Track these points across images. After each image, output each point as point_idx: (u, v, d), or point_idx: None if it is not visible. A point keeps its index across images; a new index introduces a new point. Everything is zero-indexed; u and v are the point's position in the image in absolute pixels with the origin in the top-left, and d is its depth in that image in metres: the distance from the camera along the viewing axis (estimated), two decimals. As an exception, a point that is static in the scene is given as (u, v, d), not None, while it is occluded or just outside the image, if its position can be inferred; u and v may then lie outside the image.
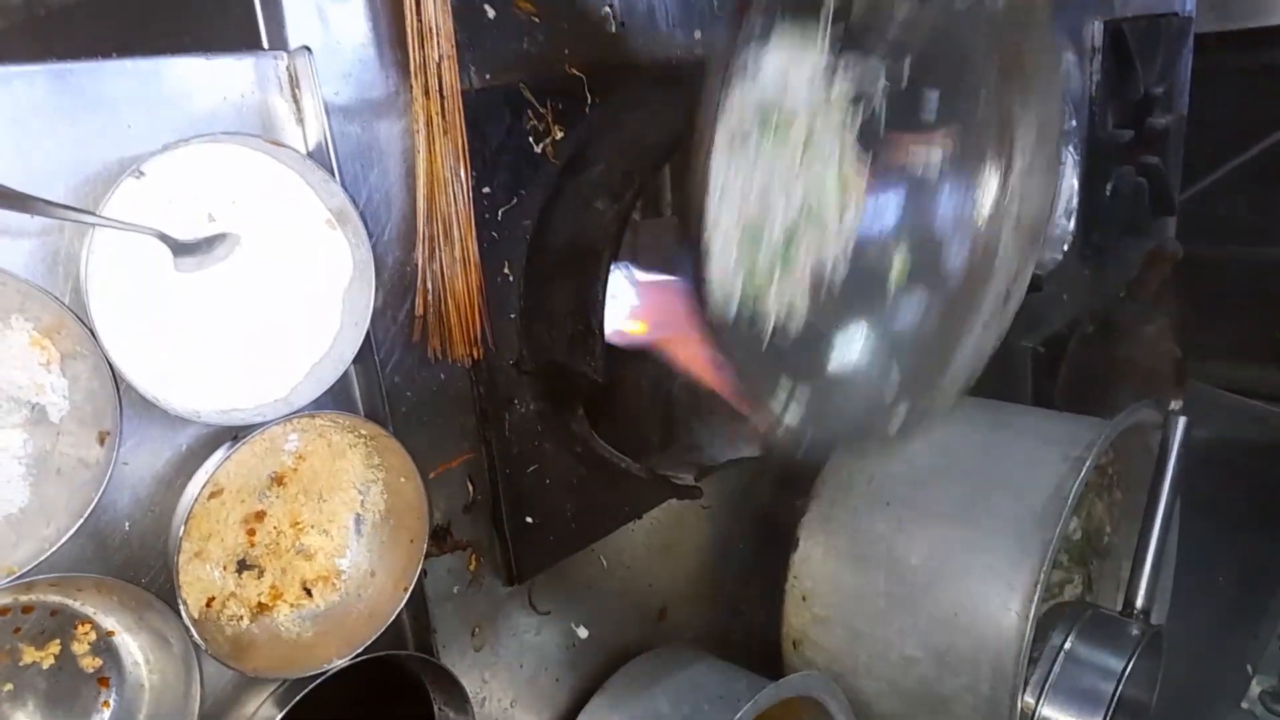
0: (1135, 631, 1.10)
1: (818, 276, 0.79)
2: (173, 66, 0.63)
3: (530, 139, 0.83)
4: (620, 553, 1.02)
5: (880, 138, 0.79)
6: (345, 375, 0.72)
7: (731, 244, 0.72)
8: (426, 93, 0.73)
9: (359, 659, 0.72)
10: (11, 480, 0.59)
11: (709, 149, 0.65)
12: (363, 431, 0.72)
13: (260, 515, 0.70)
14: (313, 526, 0.73)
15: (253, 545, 0.70)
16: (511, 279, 0.84)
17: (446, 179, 0.75)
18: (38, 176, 0.58)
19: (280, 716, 0.68)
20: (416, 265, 0.76)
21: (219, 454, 0.65)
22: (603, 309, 0.80)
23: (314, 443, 0.72)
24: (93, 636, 0.65)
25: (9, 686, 0.63)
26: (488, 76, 0.80)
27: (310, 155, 0.68)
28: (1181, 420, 1.16)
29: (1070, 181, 1.45)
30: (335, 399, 0.72)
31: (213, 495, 0.67)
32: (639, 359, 0.91)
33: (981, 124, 0.86)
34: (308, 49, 0.67)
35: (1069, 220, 1.46)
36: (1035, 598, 0.98)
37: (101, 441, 0.60)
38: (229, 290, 0.65)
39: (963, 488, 1.11)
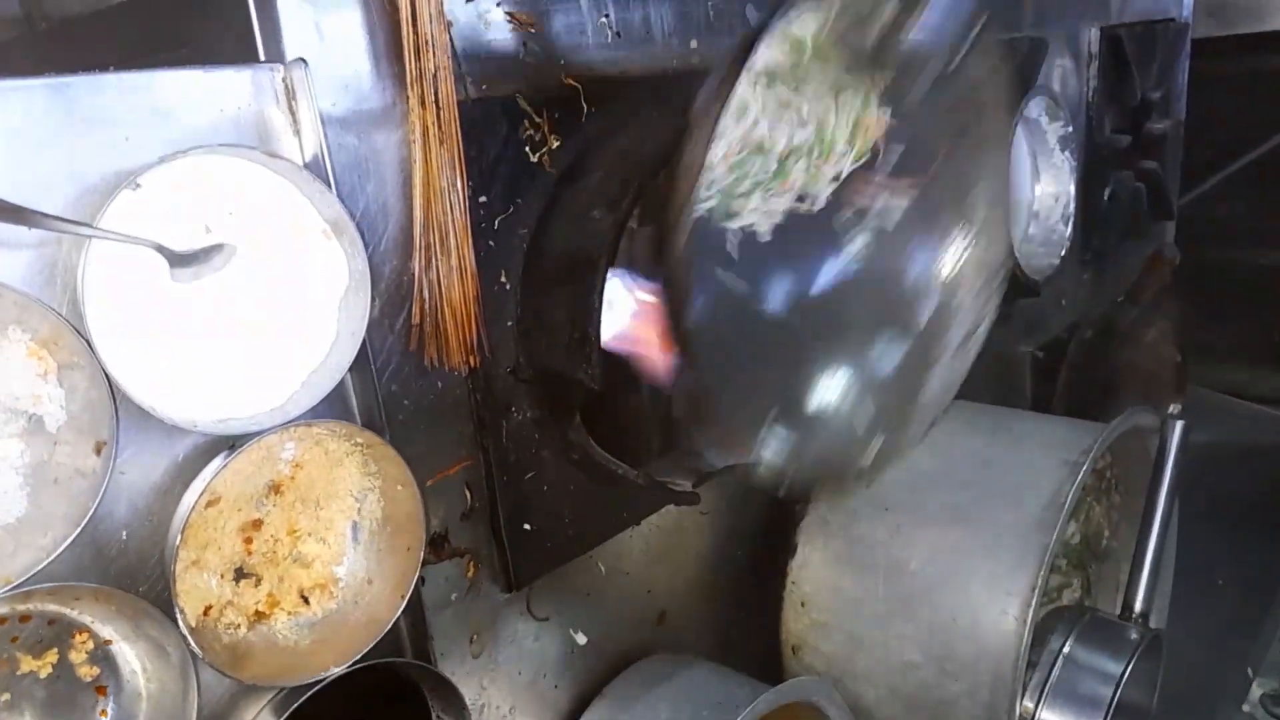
0: (1134, 635, 1.11)
1: (801, 200, 0.82)
2: (169, 79, 0.63)
3: (527, 148, 0.84)
4: (619, 559, 1.03)
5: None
6: (342, 384, 0.73)
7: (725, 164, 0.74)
8: (423, 103, 0.73)
9: (356, 667, 0.72)
10: (9, 490, 0.60)
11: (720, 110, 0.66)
12: (359, 440, 0.72)
13: (257, 523, 0.71)
14: (310, 534, 0.73)
15: (250, 553, 0.71)
16: (508, 287, 0.85)
17: (443, 189, 0.76)
18: (36, 189, 0.59)
19: (277, 724, 0.69)
20: (413, 274, 0.77)
21: (216, 463, 0.65)
22: (599, 317, 0.81)
23: (311, 451, 0.72)
24: (90, 645, 0.65)
25: (6, 695, 0.63)
26: (484, 87, 0.80)
27: (307, 166, 0.69)
28: (1179, 424, 1.16)
29: (1067, 187, 1.46)
30: (332, 407, 0.73)
31: (210, 504, 0.68)
32: (637, 365, 0.92)
33: (937, 184, 0.89)
34: (303, 61, 0.68)
35: (1066, 226, 1.46)
36: (1033, 602, 0.98)
37: (98, 451, 0.60)
38: (226, 300, 0.66)
39: (960, 492, 1.11)
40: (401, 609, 0.74)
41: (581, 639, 1.00)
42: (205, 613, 0.69)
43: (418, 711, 0.81)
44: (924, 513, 1.10)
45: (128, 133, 0.62)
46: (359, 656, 0.72)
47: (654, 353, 0.90)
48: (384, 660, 0.74)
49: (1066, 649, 1.10)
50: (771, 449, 0.81)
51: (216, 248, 0.64)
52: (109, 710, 0.67)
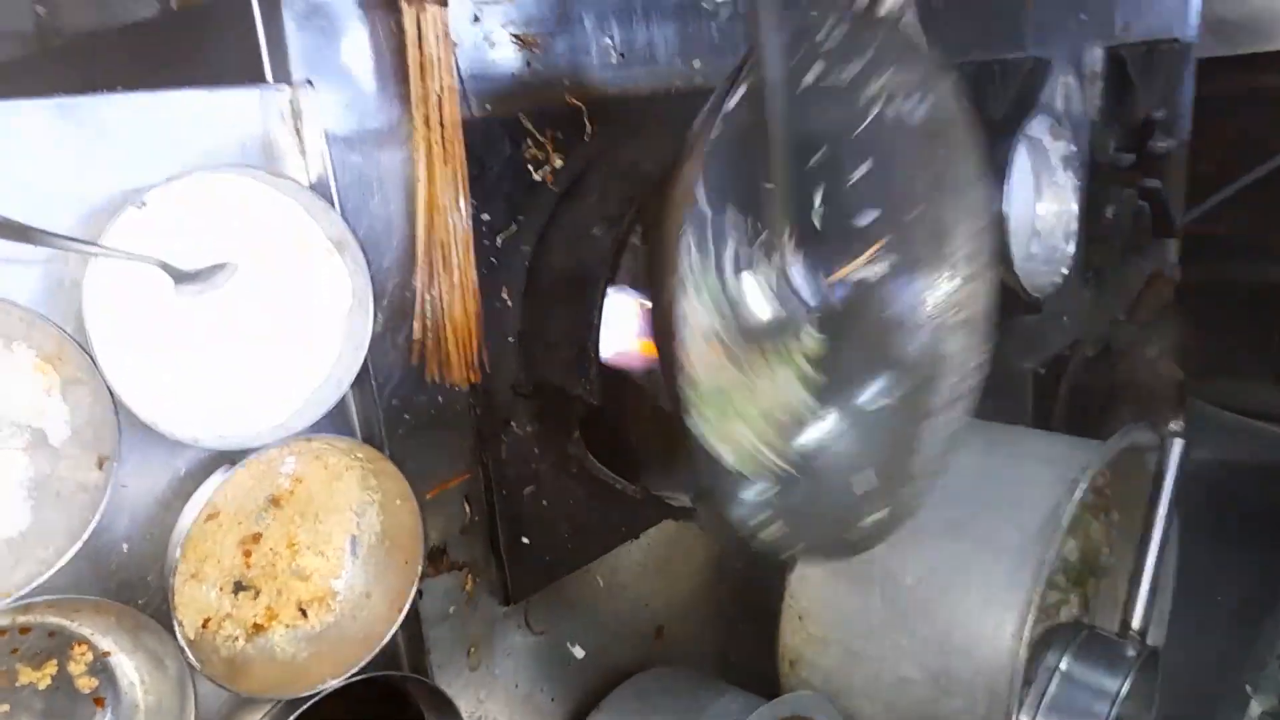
0: (1131, 652, 1.11)
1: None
2: (176, 99, 0.64)
3: (530, 167, 0.85)
4: (617, 573, 1.03)
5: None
6: (343, 399, 0.74)
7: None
8: (427, 123, 0.74)
9: (353, 679, 0.73)
10: (12, 503, 0.60)
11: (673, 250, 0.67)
12: (359, 455, 0.73)
13: (257, 537, 0.71)
14: (309, 548, 0.74)
15: (249, 567, 0.71)
16: (510, 304, 0.85)
17: (446, 207, 0.77)
18: (43, 207, 0.60)
19: (275, 737, 0.69)
20: (416, 290, 0.77)
21: (216, 477, 0.66)
22: (598, 333, 0.81)
23: (310, 465, 0.73)
24: (89, 657, 0.66)
25: (5, 707, 0.64)
26: (488, 106, 0.81)
27: (312, 185, 0.70)
28: (1178, 441, 1.16)
29: (1070, 205, 1.46)
30: (333, 422, 0.73)
31: (210, 518, 0.69)
32: (636, 381, 0.92)
33: (917, 236, 0.90)
34: (309, 82, 0.69)
35: (1068, 243, 1.47)
36: (1029, 618, 0.98)
37: (100, 466, 0.61)
38: (228, 317, 0.66)
39: (959, 508, 1.11)
40: (399, 623, 0.75)
41: (579, 652, 1.00)
42: (204, 625, 0.70)
43: (414, 724, 0.82)
44: (922, 528, 1.09)
45: (134, 152, 0.63)
46: (356, 669, 0.73)
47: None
48: (381, 673, 0.75)
49: (1063, 665, 1.10)
50: (752, 498, 0.81)
51: (220, 266, 0.65)
52: (107, 721, 0.67)
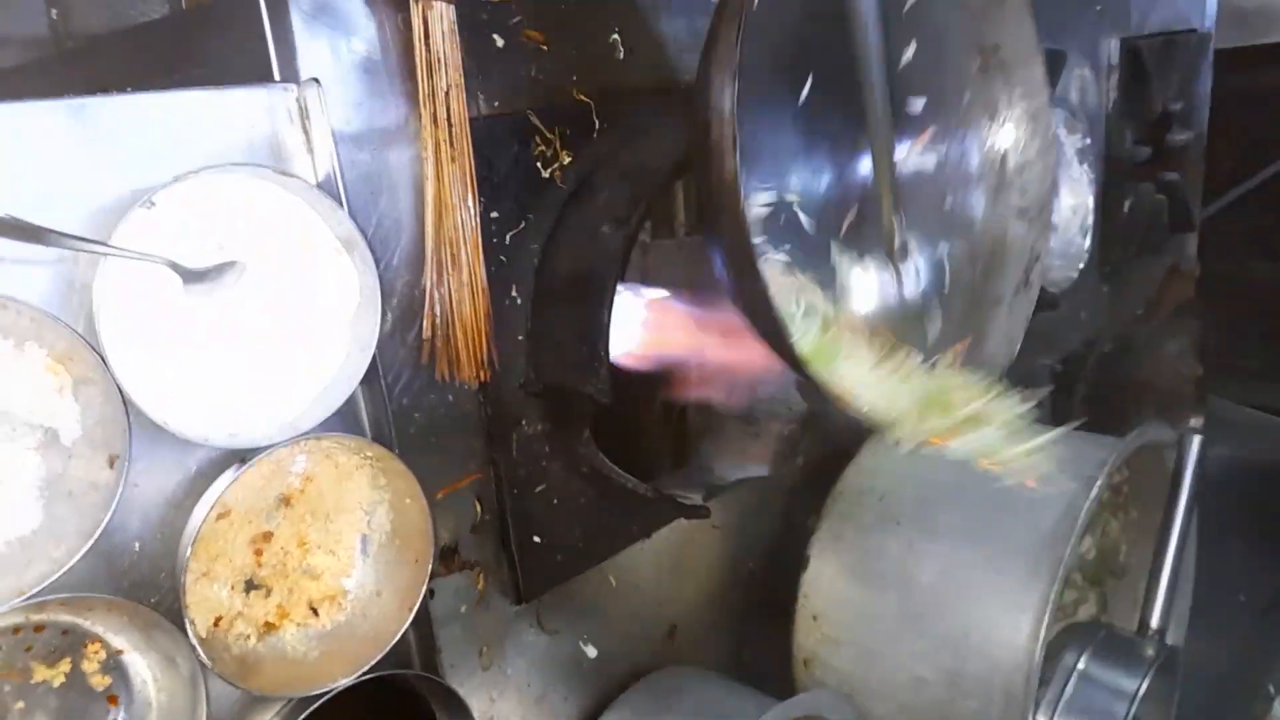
0: (1150, 652, 1.09)
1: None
2: (184, 100, 0.65)
3: (538, 164, 0.85)
4: (629, 572, 1.03)
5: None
6: (352, 398, 0.74)
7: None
8: (435, 121, 0.74)
9: (364, 678, 0.73)
10: (25, 502, 0.61)
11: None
12: (369, 453, 0.73)
13: (268, 536, 0.72)
14: (319, 547, 0.74)
15: (260, 565, 0.72)
16: (519, 302, 0.85)
17: (454, 205, 0.77)
18: (53, 207, 0.60)
19: (286, 735, 0.69)
20: (425, 289, 0.77)
21: (226, 476, 0.66)
22: (608, 332, 0.81)
23: (321, 464, 0.73)
24: (102, 655, 0.66)
25: (20, 704, 0.64)
26: (496, 104, 0.81)
27: (320, 184, 0.70)
28: (1196, 438, 1.15)
29: (1086, 199, 1.45)
30: (342, 421, 0.74)
31: (220, 517, 0.69)
32: (647, 380, 0.92)
33: (969, 121, 0.88)
34: (316, 81, 0.69)
35: (1085, 238, 1.45)
36: (1046, 618, 0.97)
37: (111, 465, 0.61)
38: (238, 316, 0.67)
39: (974, 507, 1.10)
40: (409, 621, 0.75)
41: (592, 652, 1.00)
42: (215, 624, 0.70)
43: (426, 723, 0.82)
44: (937, 527, 1.09)
45: (142, 152, 0.63)
46: (367, 668, 0.73)
47: (675, 356, 0.91)
48: (392, 672, 0.75)
49: (1081, 665, 1.09)
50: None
51: (229, 265, 0.65)
52: (120, 719, 0.68)
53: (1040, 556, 1.00)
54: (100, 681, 0.67)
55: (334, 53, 0.71)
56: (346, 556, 0.76)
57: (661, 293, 0.95)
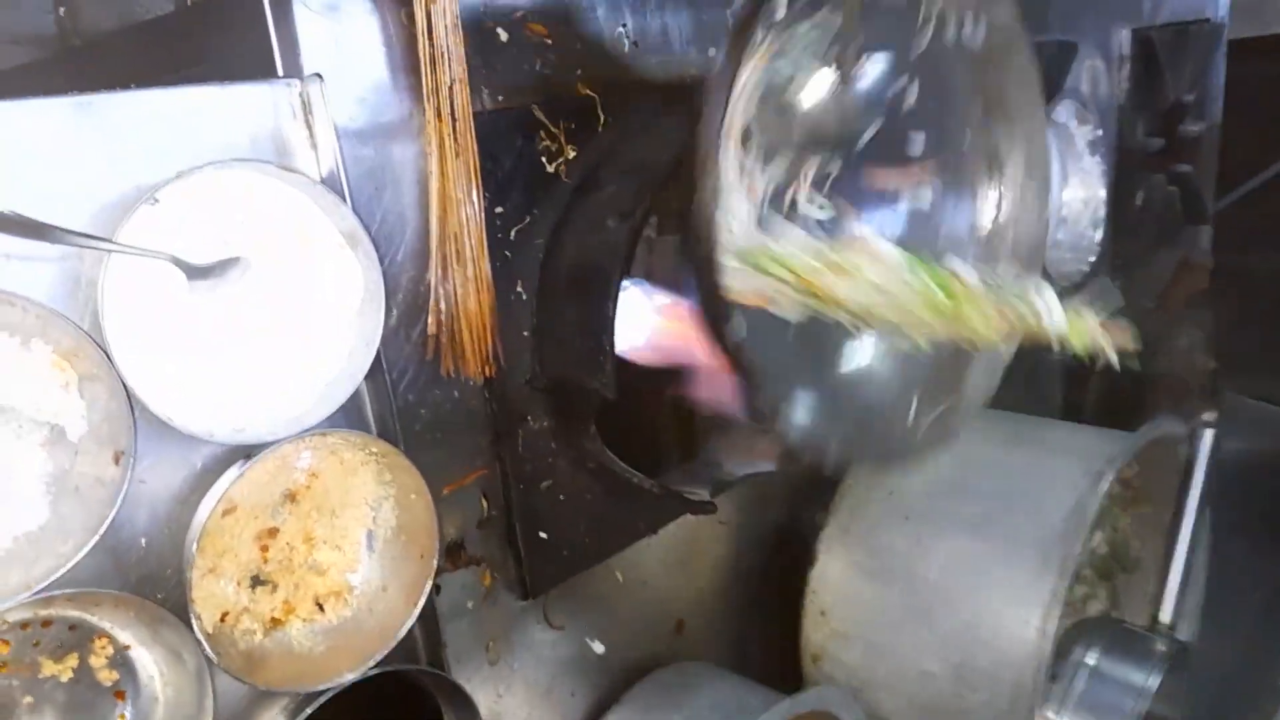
0: (1161, 647, 1.09)
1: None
2: (188, 96, 0.65)
3: (543, 159, 0.84)
4: (636, 567, 1.03)
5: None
6: (357, 394, 0.74)
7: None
8: (439, 115, 0.74)
9: (370, 673, 0.73)
10: (32, 498, 0.61)
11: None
12: (374, 449, 0.73)
13: (274, 531, 0.72)
14: (325, 542, 0.74)
15: (266, 561, 0.72)
16: (524, 297, 0.85)
17: (459, 200, 0.76)
18: (58, 204, 0.60)
19: (292, 730, 0.70)
20: (430, 284, 0.77)
21: (232, 472, 0.66)
22: (613, 327, 0.81)
23: (326, 460, 0.73)
24: (110, 650, 0.67)
25: (29, 699, 0.65)
26: (500, 98, 0.81)
27: (323, 179, 0.70)
28: (1208, 432, 1.14)
29: (1097, 191, 1.44)
30: (347, 417, 0.74)
31: (226, 512, 0.69)
32: (654, 375, 0.92)
33: (969, 161, 0.89)
34: (319, 76, 0.69)
35: (1096, 231, 1.44)
36: (1055, 613, 0.97)
37: (117, 461, 0.61)
38: (242, 312, 0.67)
39: (982, 502, 1.10)
40: (415, 616, 0.75)
41: (599, 648, 1.00)
42: (222, 619, 0.70)
43: (432, 718, 0.82)
44: (945, 522, 1.09)
45: (147, 148, 0.63)
46: (373, 663, 0.73)
47: (681, 355, 0.90)
48: (397, 667, 0.75)
49: (1091, 661, 1.09)
50: (801, 413, 0.80)
51: (233, 260, 0.65)
52: (127, 714, 0.68)
53: (1049, 551, 1.00)
54: (108, 676, 0.67)
55: (337, 48, 0.71)
56: (352, 552, 0.76)
57: (669, 290, 0.94)
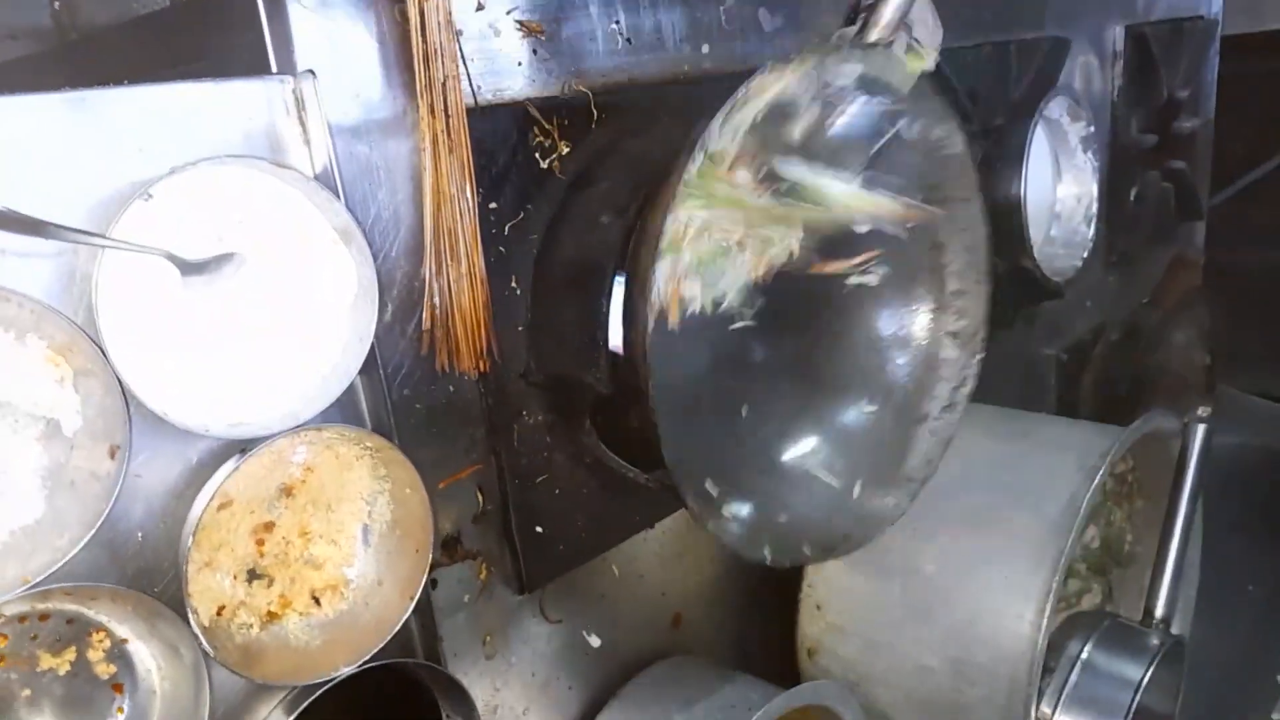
0: (1154, 641, 1.09)
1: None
2: (181, 92, 0.65)
3: (537, 155, 0.85)
4: (633, 561, 1.03)
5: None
6: (352, 389, 0.74)
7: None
8: (433, 112, 0.74)
9: (366, 666, 0.73)
10: (28, 492, 0.61)
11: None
12: (369, 444, 0.74)
13: (269, 526, 0.72)
14: (321, 536, 0.75)
15: (262, 555, 0.72)
16: (519, 292, 0.85)
17: (453, 195, 0.77)
18: (53, 201, 0.60)
19: (288, 723, 0.70)
20: (424, 280, 0.78)
21: (227, 466, 0.66)
22: (607, 322, 0.81)
23: (321, 455, 0.73)
24: (107, 644, 0.67)
25: (27, 691, 0.65)
26: (494, 94, 0.81)
27: (317, 176, 0.70)
28: (1201, 427, 1.14)
29: (1090, 188, 1.44)
30: (342, 412, 0.74)
31: (222, 507, 0.69)
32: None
33: (910, 252, 0.92)
34: (312, 73, 0.69)
35: (1089, 227, 1.44)
36: (1048, 607, 0.97)
37: (112, 455, 0.62)
38: (236, 307, 0.67)
39: (977, 496, 1.10)
40: (410, 610, 0.75)
41: (595, 641, 1.00)
42: (219, 613, 0.70)
43: (429, 712, 0.82)
44: (940, 516, 1.09)
45: (141, 144, 0.63)
46: (369, 656, 0.73)
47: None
48: (393, 660, 0.75)
49: (1085, 654, 1.09)
50: (739, 515, 0.85)
51: (227, 256, 0.66)
52: (124, 707, 0.68)
53: (1043, 546, 1.00)
54: (105, 669, 0.67)
55: (331, 44, 0.71)
56: (348, 546, 0.76)
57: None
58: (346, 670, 0.72)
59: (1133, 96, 1.58)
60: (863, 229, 0.90)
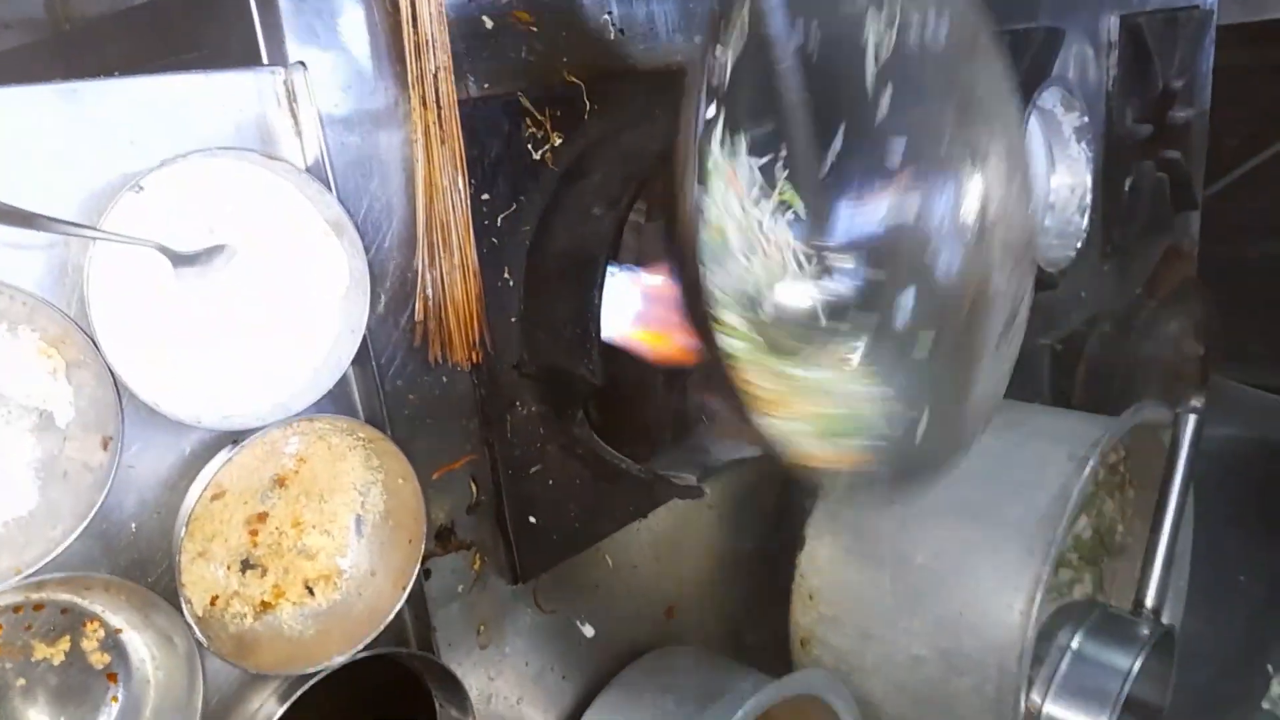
0: (1144, 630, 1.10)
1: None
2: (173, 84, 0.65)
3: (529, 146, 0.85)
4: (626, 552, 1.04)
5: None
6: (345, 380, 0.74)
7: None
8: (424, 103, 0.75)
9: (359, 656, 0.74)
10: (21, 483, 0.62)
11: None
12: (361, 435, 0.74)
13: (263, 516, 0.72)
14: (314, 527, 0.75)
15: (255, 545, 0.72)
16: (512, 284, 0.86)
17: (445, 187, 0.77)
18: (44, 192, 0.60)
19: (282, 712, 0.70)
20: (417, 271, 0.78)
21: (220, 457, 0.67)
22: (599, 313, 0.81)
23: (314, 445, 0.74)
24: (101, 634, 0.67)
25: (21, 681, 0.65)
26: (486, 86, 0.81)
27: (308, 167, 0.70)
28: (1192, 417, 1.15)
29: (1084, 178, 1.44)
30: (335, 403, 0.74)
31: (215, 497, 0.70)
32: (639, 361, 0.92)
33: (949, 163, 0.87)
34: (303, 64, 0.69)
35: (1083, 217, 1.45)
36: (1038, 596, 0.98)
37: (105, 446, 0.62)
38: (228, 299, 0.67)
39: (969, 486, 1.10)
40: (403, 600, 0.76)
41: (589, 631, 1.01)
42: (212, 603, 0.71)
43: (423, 702, 0.83)
44: (932, 506, 1.10)
45: (132, 136, 0.63)
46: (362, 646, 0.74)
47: (669, 339, 0.91)
48: (387, 650, 0.76)
49: (1075, 644, 1.10)
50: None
51: (218, 248, 0.66)
52: (119, 697, 0.69)
53: (1034, 536, 1.01)
54: (100, 659, 0.68)
55: (322, 36, 0.71)
56: (341, 536, 0.77)
57: (656, 275, 0.95)
58: (340, 660, 0.73)
59: (1127, 87, 1.58)
60: (897, 155, 0.84)
